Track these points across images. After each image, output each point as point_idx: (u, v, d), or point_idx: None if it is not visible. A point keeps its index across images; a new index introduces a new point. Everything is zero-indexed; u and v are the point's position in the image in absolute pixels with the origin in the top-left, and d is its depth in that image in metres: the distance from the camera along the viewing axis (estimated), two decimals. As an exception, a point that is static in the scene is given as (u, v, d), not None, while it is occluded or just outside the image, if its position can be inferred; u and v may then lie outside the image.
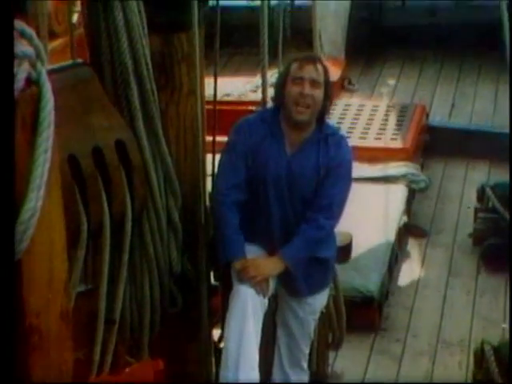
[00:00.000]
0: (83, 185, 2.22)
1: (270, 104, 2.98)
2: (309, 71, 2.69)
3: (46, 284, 1.57)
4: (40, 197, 1.40)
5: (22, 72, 1.39)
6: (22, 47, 1.41)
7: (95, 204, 2.24)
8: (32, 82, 1.43)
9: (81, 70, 2.28)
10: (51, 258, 1.57)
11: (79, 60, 2.35)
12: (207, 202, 2.84)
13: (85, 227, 2.21)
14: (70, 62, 2.31)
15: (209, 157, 2.88)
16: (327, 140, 2.75)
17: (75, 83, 2.21)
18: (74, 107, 2.18)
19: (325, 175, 2.72)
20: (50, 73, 2.02)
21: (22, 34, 1.41)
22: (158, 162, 2.53)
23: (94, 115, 2.25)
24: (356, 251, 3.24)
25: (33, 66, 1.43)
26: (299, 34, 4.87)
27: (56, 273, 1.59)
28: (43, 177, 1.39)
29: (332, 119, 4.60)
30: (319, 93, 2.70)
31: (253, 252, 2.75)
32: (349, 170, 2.78)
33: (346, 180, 2.78)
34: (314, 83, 2.69)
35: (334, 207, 2.74)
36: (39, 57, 1.45)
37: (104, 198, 2.26)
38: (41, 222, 1.44)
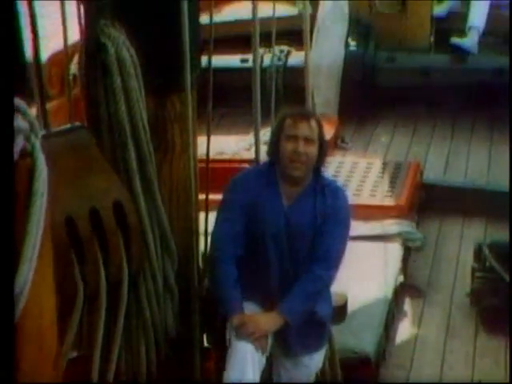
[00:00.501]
0: (80, 246, 2.26)
1: (263, 161, 3.05)
2: (302, 129, 2.78)
3: (36, 358, 1.58)
4: (32, 269, 1.43)
5: (16, 145, 1.47)
6: (16, 121, 1.48)
7: (91, 267, 2.27)
8: (26, 154, 1.50)
9: (79, 133, 2.36)
10: (41, 331, 1.59)
11: (77, 123, 2.43)
12: (200, 263, 2.88)
13: (81, 292, 2.23)
14: (68, 125, 2.39)
15: (202, 215, 2.93)
16: (324, 190, 2.80)
17: (73, 146, 2.30)
18: (71, 170, 2.25)
19: (322, 224, 2.75)
20: (49, 136, 2.10)
21: (17, 109, 1.48)
22: (155, 223, 2.58)
23: (91, 177, 2.32)
24: (351, 311, 3.25)
25: (27, 138, 1.50)
26: (292, 93, 5.00)
27: (46, 347, 1.60)
28: (35, 249, 1.43)
29: (327, 171, 4.67)
30: (313, 149, 2.78)
31: (249, 310, 2.77)
32: (346, 218, 2.82)
33: (344, 229, 2.81)
34: (307, 141, 2.77)
35: (331, 257, 2.77)
36: (33, 130, 1.52)
37: (100, 261, 2.30)
38: (31, 294, 1.46)
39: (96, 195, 2.31)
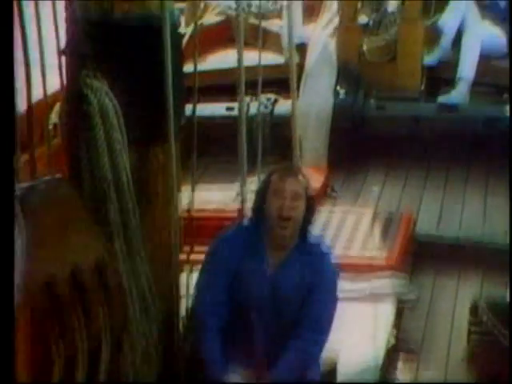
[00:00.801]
0: (60, 309, 2.23)
1: (249, 212, 3.06)
2: (290, 184, 2.80)
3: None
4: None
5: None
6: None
7: (72, 332, 2.24)
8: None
9: (58, 186, 2.36)
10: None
11: (57, 175, 2.44)
12: (181, 327, 2.85)
13: (61, 359, 2.20)
14: (47, 177, 2.39)
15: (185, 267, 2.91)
16: (311, 253, 2.81)
17: (53, 201, 2.29)
18: (51, 226, 2.24)
19: (309, 291, 2.75)
20: (28, 190, 2.09)
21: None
22: (136, 281, 2.56)
23: (72, 233, 2.32)
24: (341, 375, 3.22)
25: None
26: (279, 142, 5.05)
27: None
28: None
29: (315, 228, 4.67)
30: (301, 204, 2.80)
31: (236, 375, 2.74)
32: (334, 284, 2.84)
33: (332, 295, 2.83)
34: (295, 196, 2.79)
35: (322, 324, 2.78)
36: None
37: (82, 325, 2.27)
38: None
39: (77, 255, 2.30)
